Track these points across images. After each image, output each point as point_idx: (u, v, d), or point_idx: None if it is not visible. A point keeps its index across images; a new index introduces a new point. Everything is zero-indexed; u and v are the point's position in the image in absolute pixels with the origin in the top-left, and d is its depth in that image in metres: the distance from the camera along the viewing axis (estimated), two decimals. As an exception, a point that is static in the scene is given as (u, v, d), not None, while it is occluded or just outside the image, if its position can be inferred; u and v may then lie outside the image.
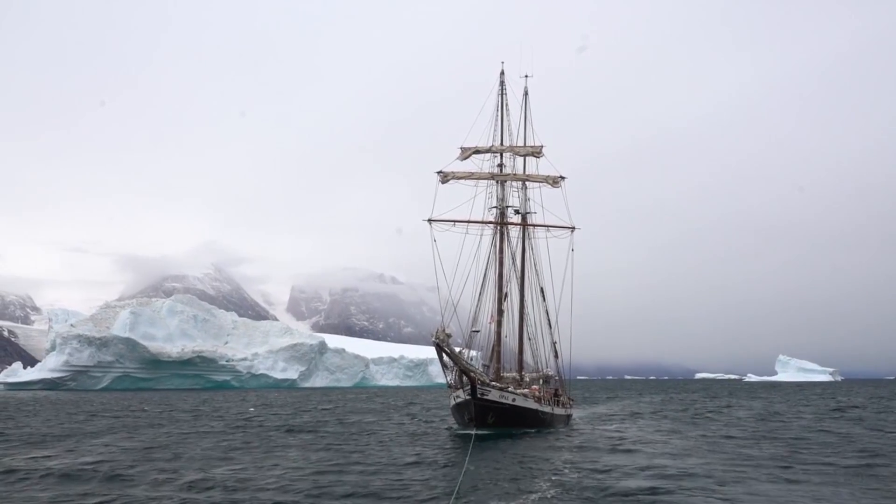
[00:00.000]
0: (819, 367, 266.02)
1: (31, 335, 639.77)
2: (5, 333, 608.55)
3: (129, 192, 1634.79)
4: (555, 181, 43.02)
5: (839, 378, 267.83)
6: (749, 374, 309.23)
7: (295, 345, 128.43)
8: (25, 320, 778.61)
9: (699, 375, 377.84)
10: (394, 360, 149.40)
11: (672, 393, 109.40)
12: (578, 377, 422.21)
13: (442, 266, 38.34)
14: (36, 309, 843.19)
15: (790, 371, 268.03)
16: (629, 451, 28.09)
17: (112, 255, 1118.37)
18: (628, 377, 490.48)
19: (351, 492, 18.45)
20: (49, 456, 25.41)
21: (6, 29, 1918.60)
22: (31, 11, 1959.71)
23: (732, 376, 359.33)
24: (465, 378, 33.26)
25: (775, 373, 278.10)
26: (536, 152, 42.86)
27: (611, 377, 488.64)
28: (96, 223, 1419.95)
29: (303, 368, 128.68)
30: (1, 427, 38.34)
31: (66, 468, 22.09)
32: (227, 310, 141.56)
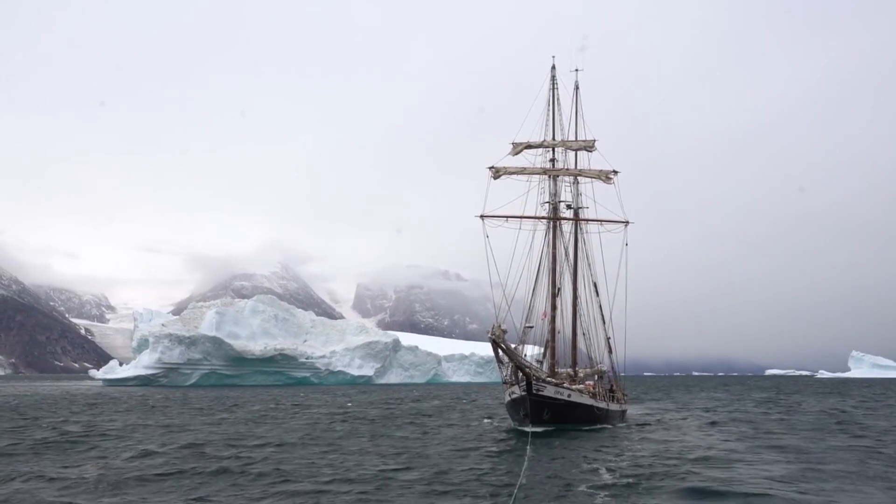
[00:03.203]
0: (894, 364, 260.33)
1: (106, 333, 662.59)
2: (83, 331, 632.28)
3: (197, 192, 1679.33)
4: (608, 176, 42.38)
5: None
6: (821, 371, 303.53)
7: (370, 343, 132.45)
8: (101, 318, 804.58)
9: (769, 372, 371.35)
10: (465, 357, 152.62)
11: (750, 390, 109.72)
12: (645, 373, 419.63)
13: (495, 262, 38.33)
14: (111, 308, 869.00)
15: (864, 367, 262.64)
16: (684, 445, 28.58)
17: (181, 254, 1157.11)
18: (696, 373, 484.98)
19: (411, 485, 19.04)
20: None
21: (78, 38, 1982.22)
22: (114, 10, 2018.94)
23: (804, 372, 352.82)
24: (520, 374, 33.03)
25: (848, 369, 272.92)
26: (589, 147, 42.58)
27: (678, 374, 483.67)
28: (166, 223, 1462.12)
29: (378, 365, 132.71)
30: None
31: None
32: (297, 308, 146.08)
